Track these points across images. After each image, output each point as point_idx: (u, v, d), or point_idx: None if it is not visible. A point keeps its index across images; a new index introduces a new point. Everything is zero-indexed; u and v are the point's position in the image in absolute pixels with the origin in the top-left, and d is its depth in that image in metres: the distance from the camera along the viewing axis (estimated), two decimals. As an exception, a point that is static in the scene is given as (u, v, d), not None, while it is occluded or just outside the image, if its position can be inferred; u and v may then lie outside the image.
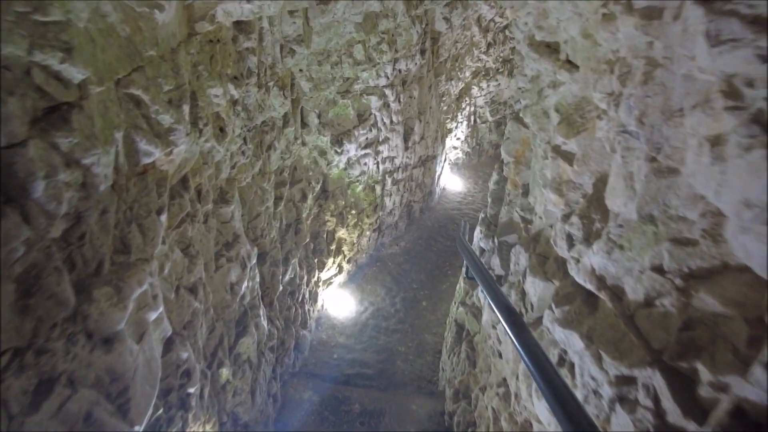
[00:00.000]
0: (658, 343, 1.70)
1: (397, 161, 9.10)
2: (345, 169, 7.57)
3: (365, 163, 7.97)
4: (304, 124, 6.30)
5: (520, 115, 3.76)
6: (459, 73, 11.42)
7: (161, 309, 2.44)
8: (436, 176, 11.69)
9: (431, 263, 9.80)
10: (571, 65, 2.61)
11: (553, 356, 2.49)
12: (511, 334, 2.24)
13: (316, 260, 7.52)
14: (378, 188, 8.80)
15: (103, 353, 1.90)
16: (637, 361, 1.74)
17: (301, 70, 5.72)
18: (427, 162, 10.63)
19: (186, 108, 2.50)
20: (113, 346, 1.96)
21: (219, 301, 3.68)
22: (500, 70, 13.59)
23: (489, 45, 12.40)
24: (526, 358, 1.99)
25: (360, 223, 8.64)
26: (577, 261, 2.32)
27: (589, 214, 2.36)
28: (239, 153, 4.06)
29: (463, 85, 12.30)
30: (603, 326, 2.03)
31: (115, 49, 1.85)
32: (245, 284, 4.14)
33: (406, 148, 9.23)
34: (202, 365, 3.22)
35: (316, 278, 7.62)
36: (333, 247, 7.92)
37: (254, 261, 4.61)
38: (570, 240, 2.47)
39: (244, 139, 4.20)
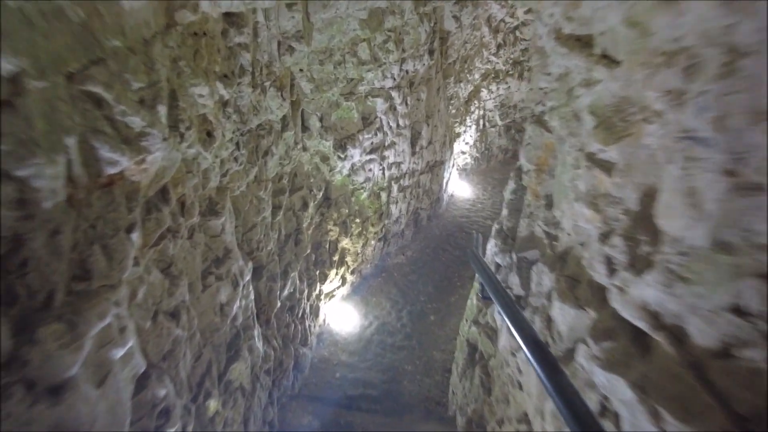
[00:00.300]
0: (742, 406, 1.35)
1: (404, 167, 8.77)
2: (349, 175, 7.25)
3: (370, 169, 7.65)
4: (304, 128, 5.99)
5: (544, 117, 3.42)
6: (468, 75, 11.11)
7: (131, 343, 2.12)
8: (444, 182, 11.35)
9: (439, 274, 9.45)
10: (609, 60, 2.26)
11: (591, 400, 2.15)
12: (540, 371, 1.91)
13: (317, 272, 7.19)
14: (383, 195, 8.48)
15: (48, 407, 1.57)
16: (716, 427, 1.39)
17: (301, 70, 5.43)
18: (435, 168, 10.30)
19: (162, 109, 2.19)
20: (63, 397, 1.64)
21: (207, 325, 3.36)
22: (510, 73, 13.27)
23: (499, 46, 12.08)
24: (559, 403, 1.68)
25: (364, 232, 8.32)
26: (622, 291, 1.96)
27: (634, 235, 2.01)
28: (231, 159, 3.75)
29: (472, 87, 11.98)
30: (661, 376, 1.67)
31: (64, 36, 1.53)
32: (237, 304, 3.81)
33: (413, 153, 8.90)
34: (186, 399, 2.89)
35: (317, 291, 7.29)
36: (336, 257, 7.59)
37: (248, 277, 4.29)
38: (610, 264, 2.12)
39: (237, 144, 3.89)
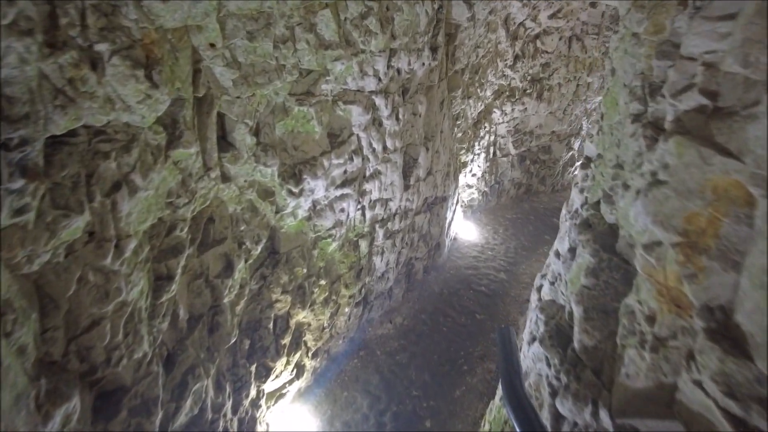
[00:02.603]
0: None
1: (393, 205, 6.52)
2: (308, 218, 4.97)
3: (342, 209, 5.39)
4: (226, 145, 3.75)
5: (720, 123, 1.12)
6: (479, 91, 9.02)
7: None
8: (446, 224, 9.08)
9: (439, 352, 7.07)
10: None
11: None
12: None
13: (254, 366, 4.80)
14: (363, 244, 6.19)
15: None
16: None
17: (213, 45, 3.22)
18: (435, 206, 8.06)
19: None
20: None
21: None
22: (528, 92, 11.27)
23: (516, 57, 10.10)
24: None
25: (334, 297, 5.98)
26: None
27: None
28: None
29: (482, 107, 9.90)
30: None
31: None
32: None
33: (407, 187, 6.67)
34: None
35: (254, 394, 4.88)
36: (286, 340, 5.21)
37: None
38: None
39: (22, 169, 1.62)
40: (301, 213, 4.81)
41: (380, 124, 5.42)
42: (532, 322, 3.84)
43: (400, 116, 5.72)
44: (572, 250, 3.20)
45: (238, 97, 3.63)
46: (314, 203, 4.95)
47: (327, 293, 5.74)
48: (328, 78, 4.29)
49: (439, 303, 8.17)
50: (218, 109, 3.59)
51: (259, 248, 4.50)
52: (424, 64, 5.73)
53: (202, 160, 3.51)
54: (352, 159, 5.14)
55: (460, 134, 9.12)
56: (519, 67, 10.30)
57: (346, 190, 5.27)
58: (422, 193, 7.27)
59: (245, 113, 3.74)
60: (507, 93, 10.60)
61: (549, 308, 3.46)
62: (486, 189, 11.86)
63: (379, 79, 4.95)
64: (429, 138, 6.93)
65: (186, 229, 3.50)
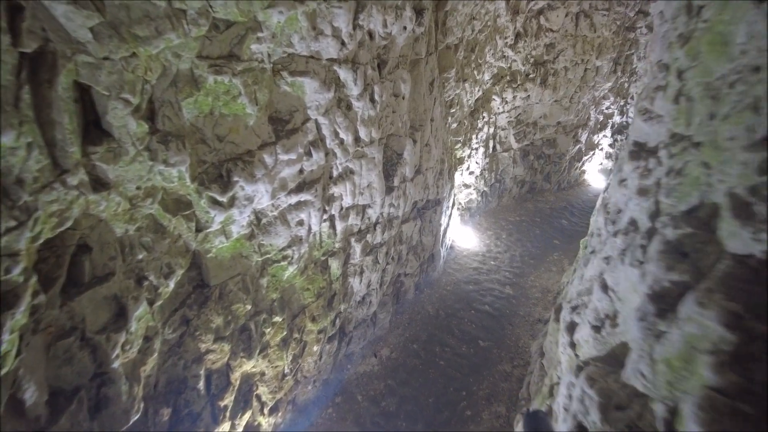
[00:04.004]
0: None
1: (373, 213, 5.25)
2: (249, 236, 3.69)
3: (301, 222, 4.11)
4: (98, 134, 2.46)
5: None
6: (476, 73, 7.77)
7: None
8: (441, 231, 7.81)
9: (435, 394, 5.80)
10: None
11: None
12: None
13: (174, 445, 3.51)
14: (335, 264, 4.91)
15: None
16: None
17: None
18: (427, 211, 6.79)
19: None
20: None
21: None
22: (531, 76, 10.03)
23: (518, 35, 8.86)
24: None
25: (297, 335, 4.70)
26: None
27: None
28: None
29: (480, 93, 8.65)
30: None
31: None
32: None
33: (390, 190, 5.40)
34: None
35: (178, 482, 3.59)
36: (227, 400, 3.92)
37: None
38: None
39: None
40: (237, 230, 3.52)
41: (348, 107, 4.14)
42: (573, 398, 2.57)
43: (377, 97, 4.45)
44: (656, 298, 1.92)
45: (106, 58, 2.34)
46: (257, 215, 3.67)
47: (285, 332, 4.46)
48: (260, 35, 3.01)
49: (434, 328, 6.89)
50: (75, 77, 2.30)
51: (172, 283, 3.21)
52: (405, 28, 4.46)
53: (47, 157, 2.23)
54: (309, 154, 3.86)
55: (455, 125, 7.85)
56: (521, 47, 9.06)
57: (304, 196, 3.99)
58: (410, 197, 6.00)
59: (123, 84, 2.45)
60: (508, 77, 9.37)
61: (611, 391, 2.18)
62: (485, 189, 10.61)
63: (343, 43, 3.67)
64: (416, 128, 5.66)
65: (23, 268, 2.21)
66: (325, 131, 3.96)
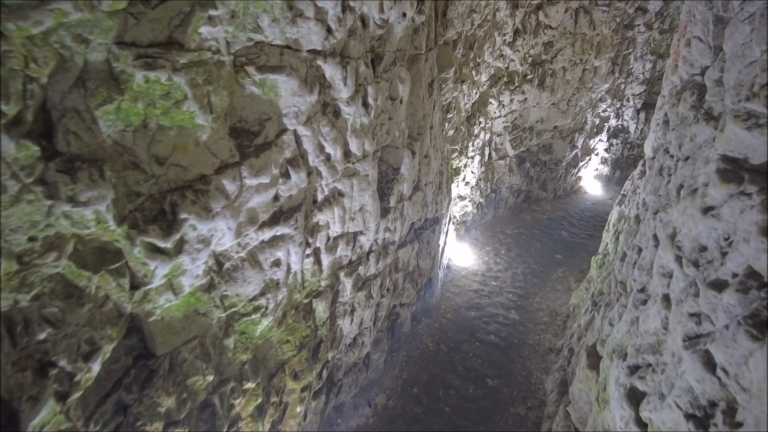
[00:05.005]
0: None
1: (367, 240, 4.40)
2: (208, 288, 2.80)
3: (278, 261, 3.24)
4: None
5: None
6: (474, 73, 7.02)
7: None
8: (439, 251, 7.01)
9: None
10: None
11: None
12: None
13: None
14: (321, 306, 4.04)
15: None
16: None
17: None
18: (425, 231, 5.97)
19: None
20: None
21: None
22: (529, 77, 9.36)
23: (517, 32, 8.17)
24: None
25: (275, 399, 3.82)
26: None
27: None
28: None
29: (477, 95, 7.92)
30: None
31: None
32: None
33: (386, 212, 4.58)
34: None
35: None
36: (181, 504, 3.00)
37: None
38: None
39: None
40: (190, 282, 2.63)
41: (336, 114, 3.30)
42: None
43: (371, 100, 3.62)
44: None
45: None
46: (217, 259, 2.79)
47: (261, 398, 3.57)
48: (213, 13, 2.15)
49: (435, 366, 6.06)
50: None
51: (96, 365, 2.30)
52: (404, 15, 3.65)
53: None
54: (287, 175, 3.00)
55: (451, 132, 7.09)
56: (519, 45, 8.37)
57: (281, 230, 3.12)
58: (407, 217, 5.18)
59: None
60: (505, 79, 8.66)
61: None
62: (481, 200, 9.87)
63: (329, 30, 2.84)
64: (415, 137, 4.85)
65: None
66: (307, 145, 3.11)
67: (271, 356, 3.65)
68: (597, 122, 13.03)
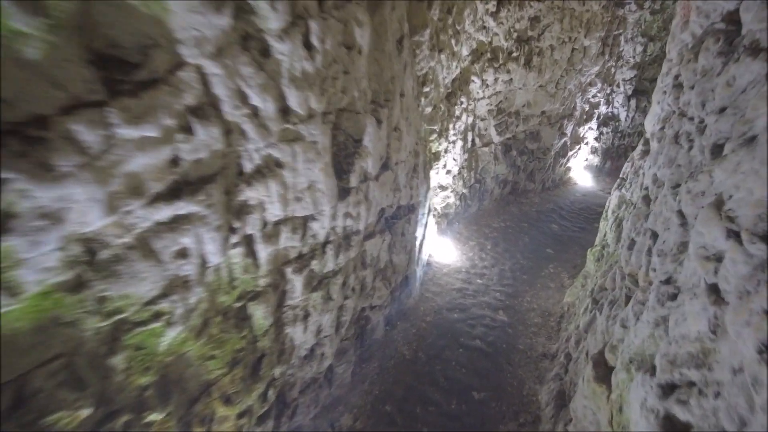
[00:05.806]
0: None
1: (321, 227, 3.62)
2: (73, 287, 1.98)
3: (184, 252, 2.43)
4: None
5: None
6: (453, 42, 6.30)
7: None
8: (417, 245, 6.26)
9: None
10: None
11: None
12: None
13: None
14: (260, 311, 3.25)
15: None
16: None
17: None
18: (398, 221, 5.21)
19: None
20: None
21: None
22: (514, 55, 8.68)
23: (500, 2, 7.47)
24: None
25: (202, 427, 3.00)
26: None
27: None
28: None
29: (458, 70, 7.20)
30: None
31: None
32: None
33: (345, 193, 3.81)
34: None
35: None
36: None
37: None
38: None
39: None
40: (37, 277, 1.82)
41: (264, 52, 2.51)
42: None
43: (315, 41, 2.85)
44: None
45: None
46: (87, 245, 1.98)
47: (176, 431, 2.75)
48: None
49: (412, 378, 5.30)
50: None
51: None
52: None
53: None
54: (189, 130, 2.20)
55: (429, 109, 6.34)
56: (503, 17, 7.68)
57: (185, 207, 2.32)
58: (375, 202, 4.41)
59: None
60: (489, 55, 7.96)
61: None
62: (464, 190, 9.16)
63: None
64: (381, 103, 4.09)
65: None
66: (219, 89, 2.32)
67: (189, 377, 2.85)
68: (587, 108, 12.45)
